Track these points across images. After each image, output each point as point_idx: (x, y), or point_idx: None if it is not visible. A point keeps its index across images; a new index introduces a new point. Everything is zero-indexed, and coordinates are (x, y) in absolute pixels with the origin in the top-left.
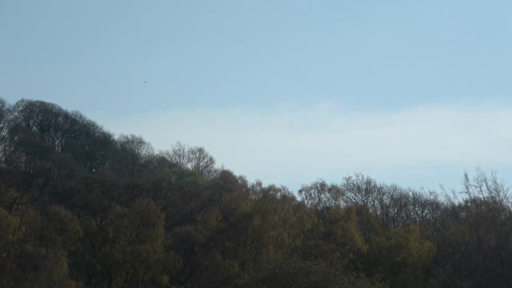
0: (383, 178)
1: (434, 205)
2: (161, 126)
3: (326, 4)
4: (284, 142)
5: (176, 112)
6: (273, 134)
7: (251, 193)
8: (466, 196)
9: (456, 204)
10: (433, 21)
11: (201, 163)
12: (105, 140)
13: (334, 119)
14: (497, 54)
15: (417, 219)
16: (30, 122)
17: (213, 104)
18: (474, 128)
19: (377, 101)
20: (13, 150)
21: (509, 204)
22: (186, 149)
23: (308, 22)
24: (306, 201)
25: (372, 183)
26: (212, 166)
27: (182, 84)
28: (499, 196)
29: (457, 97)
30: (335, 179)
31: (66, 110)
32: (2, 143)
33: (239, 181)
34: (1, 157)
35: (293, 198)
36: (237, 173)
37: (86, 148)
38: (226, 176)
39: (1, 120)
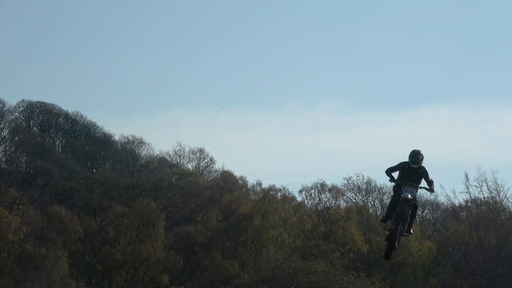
0: (384, 178)
1: (434, 205)
2: (163, 127)
3: (330, 3)
4: (285, 142)
5: (179, 113)
6: (275, 134)
7: (251, 193)
8: (466, 196)
9: (457, 204)
10: (438, 20)
11: (202, 164)
12: (106, 140)
13: (337, 119)
14: (501, 54)
15: (417, 219)
16: (31, 123)
17: (216, 104)
18: (477, 127)
19: (381, 101)
20: (13, 150)
21: (510, 204)
22: (187, 149)
23: (310, 21)
24: (306, 201)
25: (373, 183)
26: (212, 166)
27: (184, 84)
28: (499, 196)
29: (462, 97)
30: (336, 179)
31: (67, 111)
32: (3, 144)
33: (240, 181)
34: (1, 158)
35: (293, 198)
36: (237, 173)
37: (87, 148)
38: (226, 176)
39: (1, 121)
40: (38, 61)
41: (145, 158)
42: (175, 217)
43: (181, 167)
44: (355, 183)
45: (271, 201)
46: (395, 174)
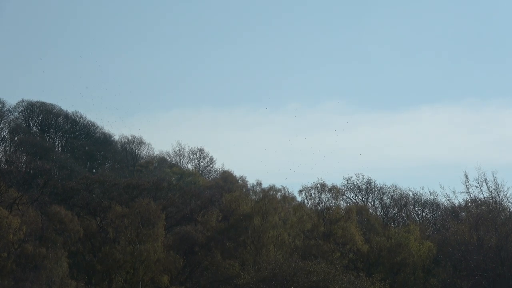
0: (384, 178)
1: (434, 205)
2: (163, 127)
3: (330, 3)
4: (285, 142)
5: (179, 113)
6: (275, 134)
7: (251, 193)
8: (466, 196)
9: (456, 204)
10: (439, 20)
11: (202, 163)
12: (106, 140)
13: (338, 119)
14: (502, 54)
15: (417, 219)
16: (31, 123)
17: (217, 105)
18: (477, 128)
19: (381, 101)
20: (13, 150)
21: (509, 204)
22: (186, 149)
23: (310, 21)
24: (306, 201)
25: (372, 183)
26: (212, 166)
27: (184, 85)
28: (499, 196)
29: (462, 97)
30: (335, 179)
31: (66, 111)
32: (3, 144)
33: (240, 181)
34: (1, 158)
35: (293, 198)
36: (237, 173)
37: (87, 148)
38: (226, 176)
39: (1, 121)
40: (38, 61)
41: (145, 158)
42: (175, 217)
43: (181, 167)
44: (355, 183)
45: (271, 201)
46: None
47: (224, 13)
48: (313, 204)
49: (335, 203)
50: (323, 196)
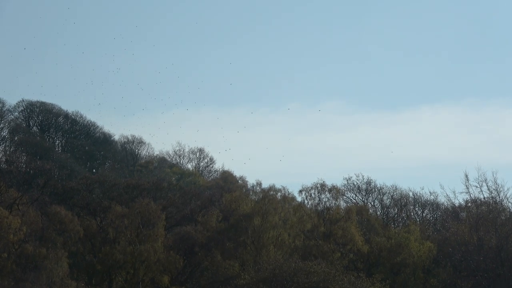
0: (384, 178)
1: (434, 205)
2: (164, 127)
3: (330, 3)
4: (285, 142)
5: (180, 113)
6: (275, 134)
7: (251, 193)
8: (466, 197)
9: (457, 204)
10: (439, 20)
11: (202, 163)
12: (106, 140)
13: (338, 119)
14: (503, 54)
15: (418, 219)
16: (31, 122)
17: (217, 105)
18: (477, 128)
19: (381, 101)
20: (13, 150)
21: (510, 205)
22: (186, 149)
23: (310, 21)
24: (306, 202)
25: (373, 184)
26: (212, 166)
27: (185, 85)
28: (499, 197)
29: (462, 97)
30: (335, 179)
31: (66, 111)
32: (3, 144)
33: (240, 181)
34: (1, 158)
35: (293, 198)
36: (237, 173)
37: (87, 148)
38: (226, 176)
39: (1, 121)
40: (38, 61)
41: (145, 158)
42: (175, 217)
43: (181, 167)
44: (355, 183)
45: (271, 201)
46: None
47: (224, 13)
48: (313, 204)
49: (335, 203)
50: (323, 196)
